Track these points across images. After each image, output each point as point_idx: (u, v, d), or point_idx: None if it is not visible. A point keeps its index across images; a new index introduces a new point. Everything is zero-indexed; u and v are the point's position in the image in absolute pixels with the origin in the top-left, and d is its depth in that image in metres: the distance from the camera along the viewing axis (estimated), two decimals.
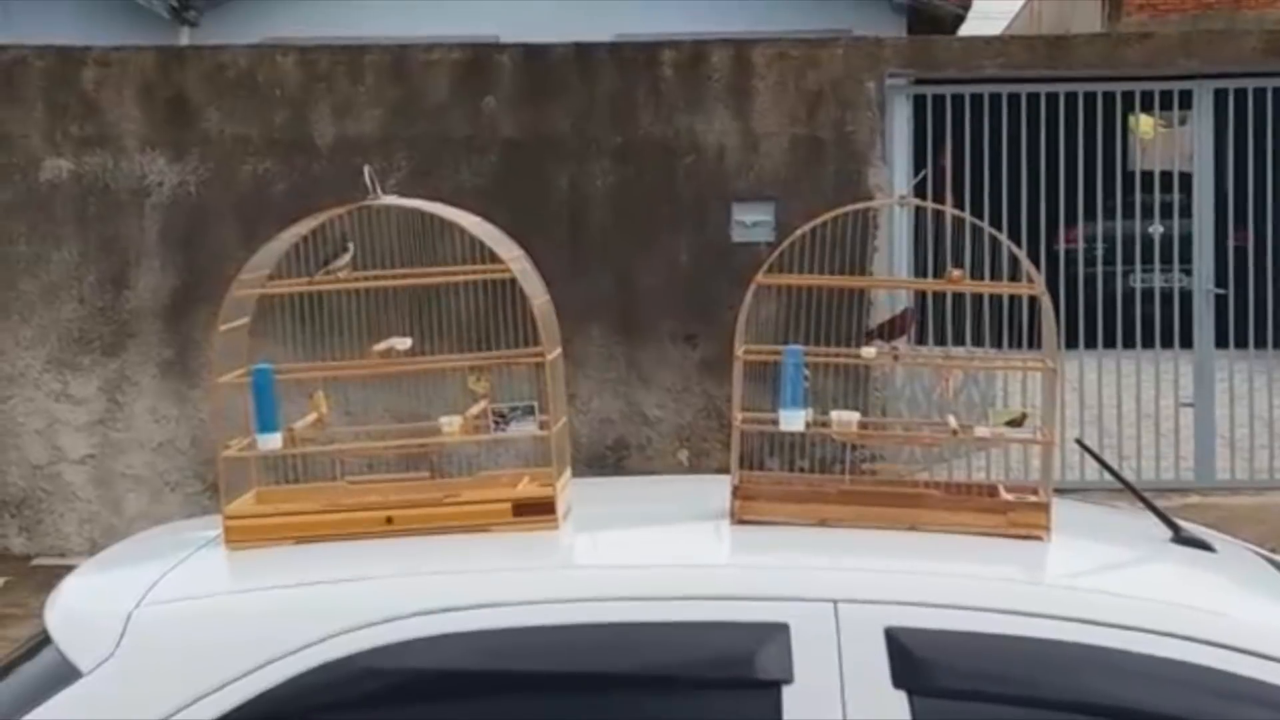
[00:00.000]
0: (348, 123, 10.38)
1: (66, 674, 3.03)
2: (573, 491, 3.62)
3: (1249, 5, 18.27)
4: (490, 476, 3.80)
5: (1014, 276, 4.08)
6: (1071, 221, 13.24)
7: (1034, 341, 4.00)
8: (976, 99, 10.51)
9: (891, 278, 10.05)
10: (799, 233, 3.78)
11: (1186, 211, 10.85)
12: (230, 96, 10.42)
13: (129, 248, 10.37)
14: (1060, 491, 3.66)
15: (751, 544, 3.44)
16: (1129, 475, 8.30)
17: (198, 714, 2.94)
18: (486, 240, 3.63)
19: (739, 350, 3.69)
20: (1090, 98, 10.62)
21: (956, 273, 3.91)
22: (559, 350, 3.70)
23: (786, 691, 2.94)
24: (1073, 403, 10.35)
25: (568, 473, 3.65)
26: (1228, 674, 2.97)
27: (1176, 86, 10.64)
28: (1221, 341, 10.70)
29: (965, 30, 18.27)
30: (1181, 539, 3.54)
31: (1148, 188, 11.42)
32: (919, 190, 4.84)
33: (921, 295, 9.92)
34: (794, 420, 3.63)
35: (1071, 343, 10.13)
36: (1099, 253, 11.92)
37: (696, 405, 10.36)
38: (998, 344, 10.01)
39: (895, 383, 10.06)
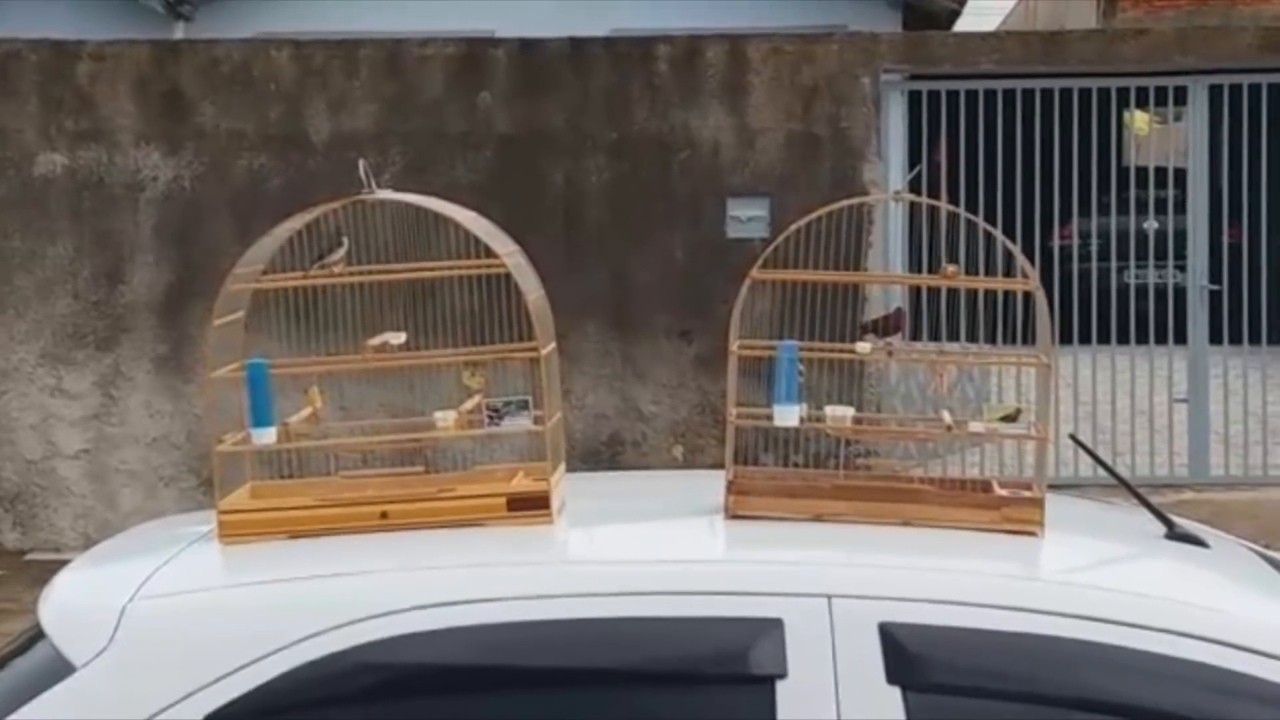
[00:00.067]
0: (342, 118, 10.37)
1: (60, 668, 3.03)
2: (567, 487, 3.62)
3: (1244, 2, 18.27)
4: (485, 471, 3.81)
5: (1008, 272, 4.08)
6: (1066, 217, 13.23)
7: (1028, 337, 4.00)
8: (971, 95, 10.51)
9: (886, 273, 10.06)
10: (793, 228, 3.78)
11: (1181, 207, 10.86)
12: (225, 91, 10.41)
13: (123, 243, 10.37)
14: (1054, 487, 3.67)
15: (746, 539, 3.45)
16: (1123, 471, 8.30)
17: (192, 708, 2.94)
18: (481, 235, 3.63)
19: (733, 345, 3.69)
20: (1085, 94, 10.62)
21: (951, 268, 3.92)
22: (554, 345, 3.70)
23: (780, 687, 2.94)
24: (1067, 398, 10.36)
25: (562, 468, 3.65)
26: (1222, 670, 2.97)
27: (1171, 83, 10.65)
28: (1215, 337, 10.71)
29: (960, 26, 18.26)
30: (1175, 535, 3.54)
31: (1142, 184, 11.44)
32: (914, 186, 4.84)
33: (916, 291, 9.93)
34: (788, 415, 3.63)
35: (1066, 338, 10.14)
36: (1094, 249, 11.93)
37: (691, 401, 10.36)
38: (992, 340, 10.01)
39: (890, 378, 10.07)
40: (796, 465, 4.32)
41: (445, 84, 10.41)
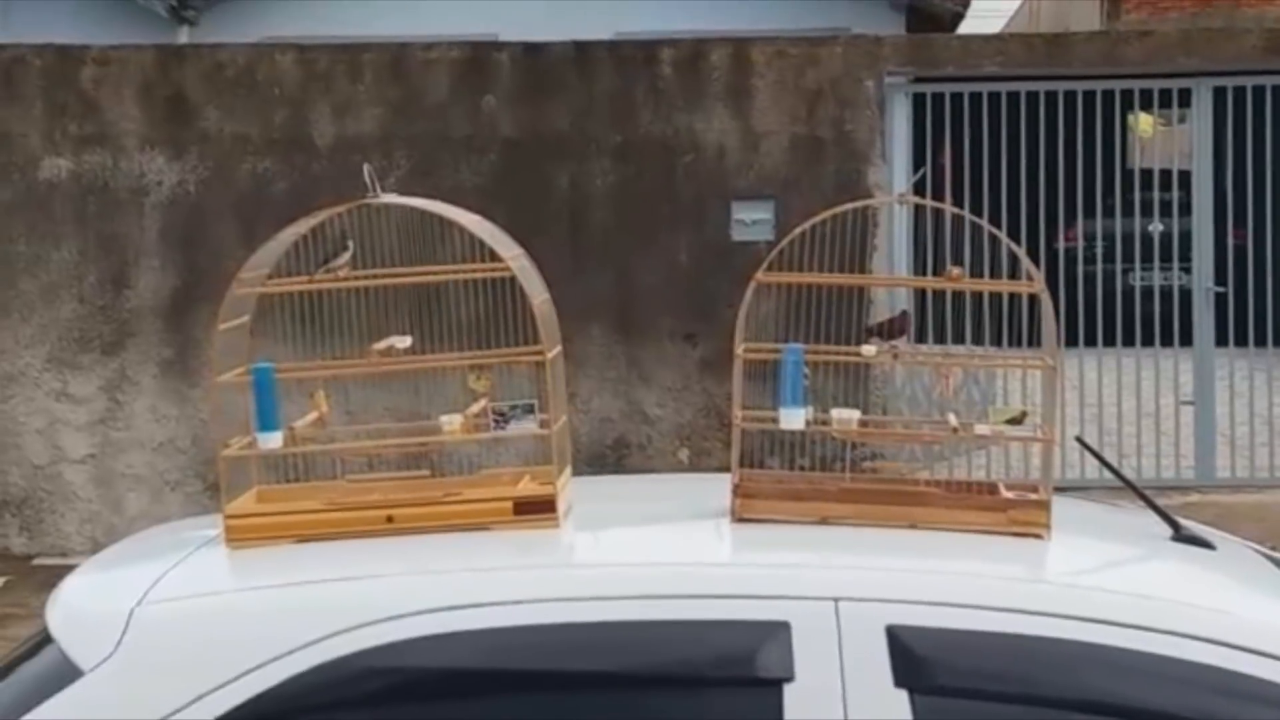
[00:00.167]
0: (347, 121, 10.38)
1: (68, 673, 3.03)
2: (573, 490, 3.62)
3: (1248, 3, 18.26)
4: (491, 475, 3.81)
5: (1014, 275, 4.08)
6: (1071, 220, 13.24)
7: (1034, 340, 4.00)
8: (976, 97, 10.51)
9: (891, 276, 10.05)
10: (798, 231, 3.78)
11: (1186, 210, 10.85)
12: (229, 95, 10.42)
13: (128, 247, 10.37)
14: (1060, 489, 3.66)
15: (752, 542, 3.45)
16: (1129, 473, 8.30)
17: (199, 712, 2.94)
18: (486, 239, 3.63)
19: (739, 349, 3.69)
20: (1089, 96, 10.62)
21: (956, 271, 3.91)
22: (559, 349, 3.70)
23: (788, 690, 2.94)
24: (1073, 401, 10.36)
25: (568, 471, 3.65)
26: (1229, 672, 2.97)
27: (1176, 85, 10.64)
28: (1221, 339, 10.70)
29: (964, 28, 18.26)
30: (1182, 537, 3.54)
31: (1147, 186, 11.42)
32: (918, 189, 4.83)
33: (921, 293, 9.93)
34: (794, 418, 3.63)
35: (1071, 341, 10.13)
36: (1099, 251, 11.93)
37: (696, 404, 10.36)
38: (998, 342, 10.01)
39: (895, 381, 10.07)
40: (802, 468, 4.32)
41: (450, 88, 10.41)
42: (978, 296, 9.80)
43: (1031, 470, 8.65)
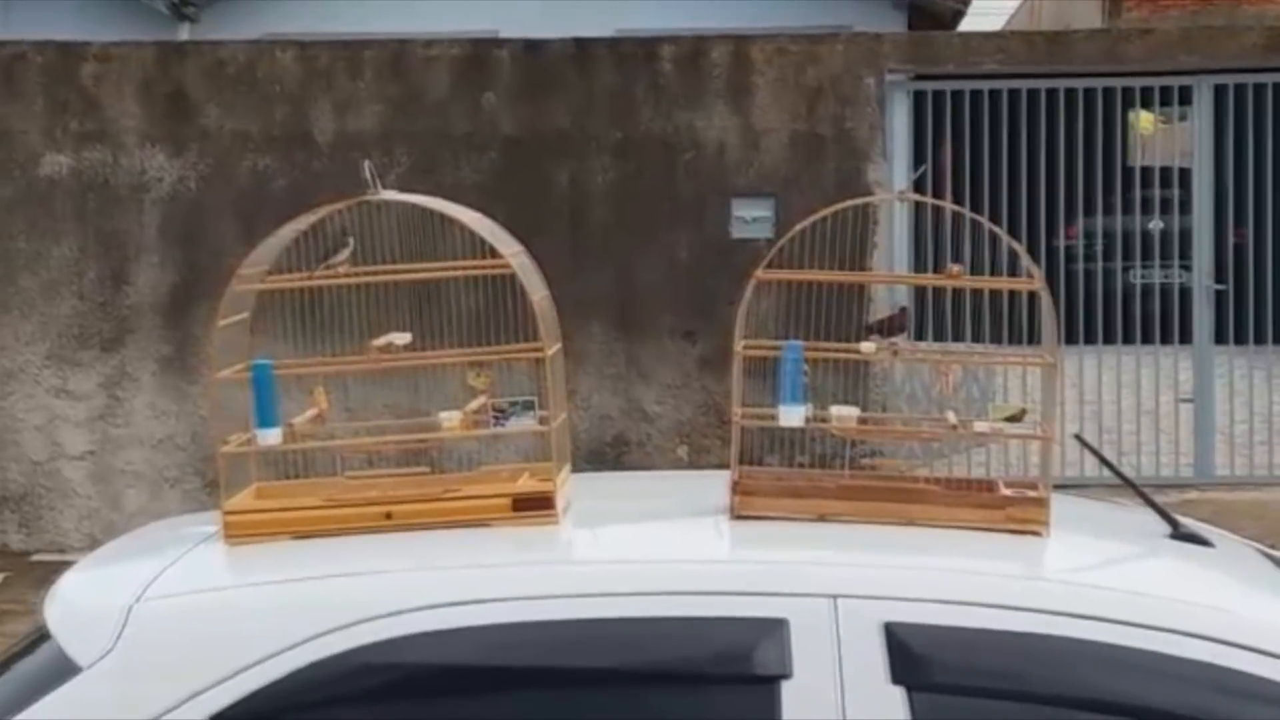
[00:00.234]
0: (347, 118, 10.38)
1: (66, 669, 3.03)
2: (572, 487, 3.63)
3: (1249, 1, 18.25)
4: (490, 472, 3.81)
5: (1014, 272, 4.08)
6: (1071, 217, 13.21)
7: (1033, 337, 4.00)
8: (976, 95, 10.51)
9: (891, 273, 10.05)
10: (798, 228, 3.78)
11: (1186, 207, 10.85)
12: (230, 92, 10.42)
13: (128, 243, 10.37)
14: (1059, 487, 3.66)
15: (750, 539, 3.45)
16: (1128, 471, 8.30)
17: (197, 709, 2.94)
18: (486, 236, 3.64)
19: (738, 346, 3.70)
20: (1090, 93, 10.62)
21: (956, 268, 3.91)
22: (559, 346, 3.71)
23: (785, 687, 2.94)
24: (1072, 398, 10.36)
25: (567, 468, 3.66)
26: (1227, 669, 2.97)
27: (1176, 82, 10.64)
28: (1221, 337, 10.70)
29: (964, 26, 18.25)
30: (1180, 535, 3.54)
31: (1147, 184, 11.42)
32: (918, 186, 4.84)
33: (921, 291, 9.93)
34: (793, 416, 3.63)
35: (1071, 338, 10.13)
36: (1098, 248, 11.93)
37: (696, 401, 10.36)
38: (997, 339, 10.01)
39: (895, 378, 10.06)
40: (801, 465, 4.32)
41: (450, 85, 10.41)
42: (977, 294, 9.79)
43: (1030, 468, 8.65)
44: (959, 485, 3.78)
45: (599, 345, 10.30)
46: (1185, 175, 11.17)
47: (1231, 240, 10.82)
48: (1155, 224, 11.18)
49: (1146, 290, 10.81)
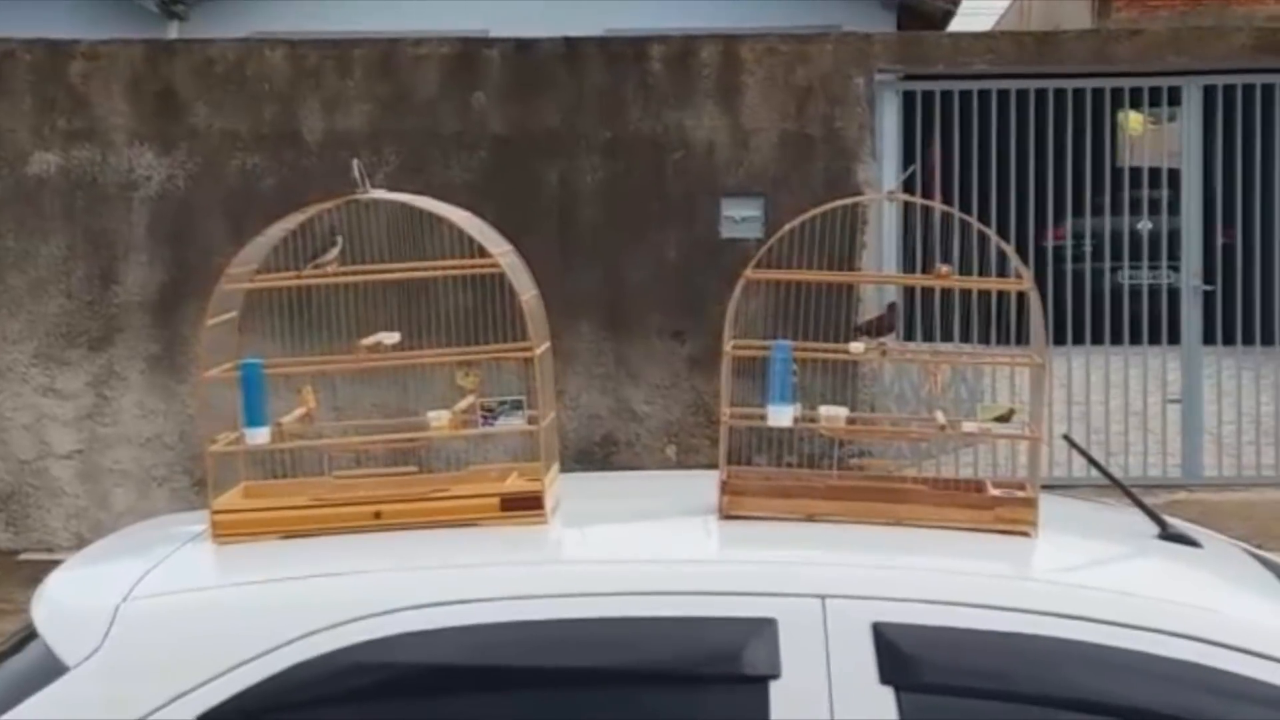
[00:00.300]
0: (336, 117, 10.37)
1: (53, 668, 3.02)
2: (561, 487, 3.62)
3: (1238, 2, 18.27)
4: (478, 471, 3.80)
5: (1002, 272, 4.09)
6: (1060, 217, 13.23)
7: (1022, 337, 4.00)
8: (965, 95, 10.52)
9: (880, 273, 10.06)
10: (787, 228, 3.78)
11: (1174, 208, 10.87)
12: (219, 91, 10.40)
13: (117, 242, 10.36)
14: (1048, 487, 3.67)
15: (739, 539, 3.45)
16: (1116, 471, 8.30)
17: (185, 708, 2.93)
18: (475, 235, 3.64)
19: (727, 346, 3.70)
20: (1079, 94, 10.63)
21: (945, 268, 3.92)
22: (547, 345, 3.70)
23: (774, 687, 2.94)
24: (1060, 399, 10.36)
25: (556, 468, 3.65)
26: (1214, 670, 2.97)
27: (1165, 83, 10.65)
28: (1209, 338, 10.72)
29: (954, 26, 18.27)
30: (1168, 535, 3.55)
31: (1136, 184, 11.44)
32: (908, 186, 4.84)
33: (910, 291, 9.94)
34: (782, 416, 3.64)
35: (1059, 339, 10.14)
36: (1087, 249, 11.94)
37: (685, 401, 10.36)
38: (986, 340, 10.02)
39: (883, 378, 10.07)
40: (790, 465, 4.32)
41: (439, 84, 10.40)
42: (966, 294, 9.81)
43: (1019, 468, 8.66)
44: (947, 485, 3.78)
45: (588, 345, 10.30)
46: (1174, 176, 11.18)
47: (1220, 241, 10.84)
48: (1144, 224, 11.20)
49: (1135, 291, 10.82)
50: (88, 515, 10.28)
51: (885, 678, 2.95)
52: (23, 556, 10.09)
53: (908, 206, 9.23)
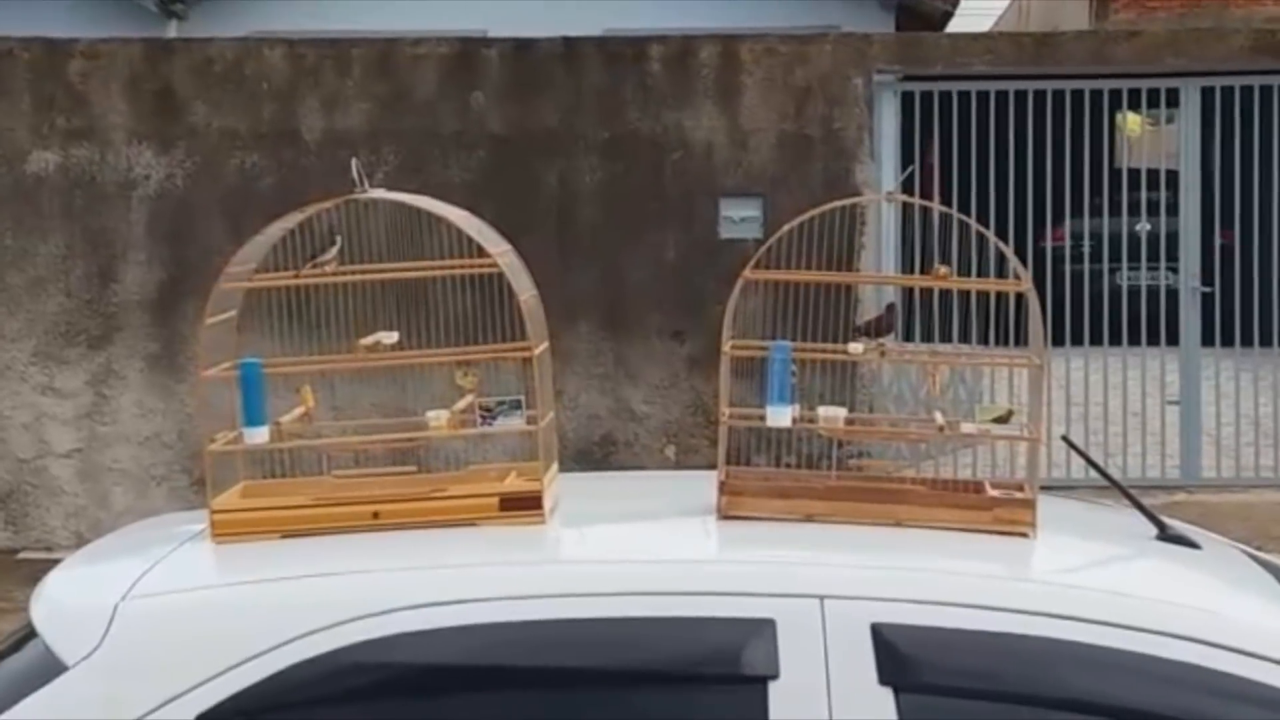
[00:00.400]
0: (335, 117, 10.37)
1: (52, 667, 3.02)
2: (559, 487, 3.62)
3: (1236, 4, 18.28)
4: (477, 471, 3.80)
5: (1001, 273, 4.08)
6: (1058, 219, 13.25)
7: (1020, 338, 4.00)
8: (964, 96, 10.52)
9: (879, 274, 10.06)
10: (786, 228, 3.78)
11: (1173, 209, 10.87)
12: (217, 90, 10.40)
13: (115, 241, 10.35)
14: (1046, 489, 3.67)
15: (738, 539, 3.45)
16: (1115, 473, 8.31)
17: (184, 708, 2.93)
18: (474, 235, 3.64)
19: (726, 346, 3.70)
20: (1078, 95, 10.63)
21: (943, 269, 3.92)
22: (546, 345, 3.70)
23: (772, 687, 2.94)
24: (1059, 400, 10.37)
25: (554, 468, 3.65)
26: (1213, 671, 2.97)
27: (1164, 84, 10.66)
28: (1208, 339, 10.72)
29: (953, 27, 18.28)
30: (1167, 536, 3.55)
31: (1135, 185, 11.44)
32: (906, 187, 4.84)
33: (908, 291, 9.95)
34: (781, 416, 3.64)
35: (1058, 340, 10.13)
36: (1085, 250, 11.95)
37: (684, 401, 10.36)
38: (985, 341, 10.02)
39: (882, 379, 10.07)
40: (789, 466, 4.32)
41: (438, 83, 10.40)
42: (965, 295, 9.81)
43: (1018, 469, 8.66)
44: (946, 486, 3.78)
45: (587, 345, 10.30)
46: (1172, 177, 11.18)
47: (1218, 242, 10.84)
48: (1142, 226, 11.20)
49: (1134, 292, 10.82)
50: (87, 514, 10.28)
51: (884, 678, 2.95)
52: (22, 555, 10.08)
53: (906, 207, 9.23)
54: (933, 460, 9.94)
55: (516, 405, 3.68)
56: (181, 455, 10.23)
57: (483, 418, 3.69)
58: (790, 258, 4.03)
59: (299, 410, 3.80)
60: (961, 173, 10.44)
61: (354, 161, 3.74)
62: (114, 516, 9.83)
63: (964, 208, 9.93)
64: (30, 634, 3.20)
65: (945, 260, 4.29)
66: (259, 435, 3.60)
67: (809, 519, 3.48)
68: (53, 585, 3.36)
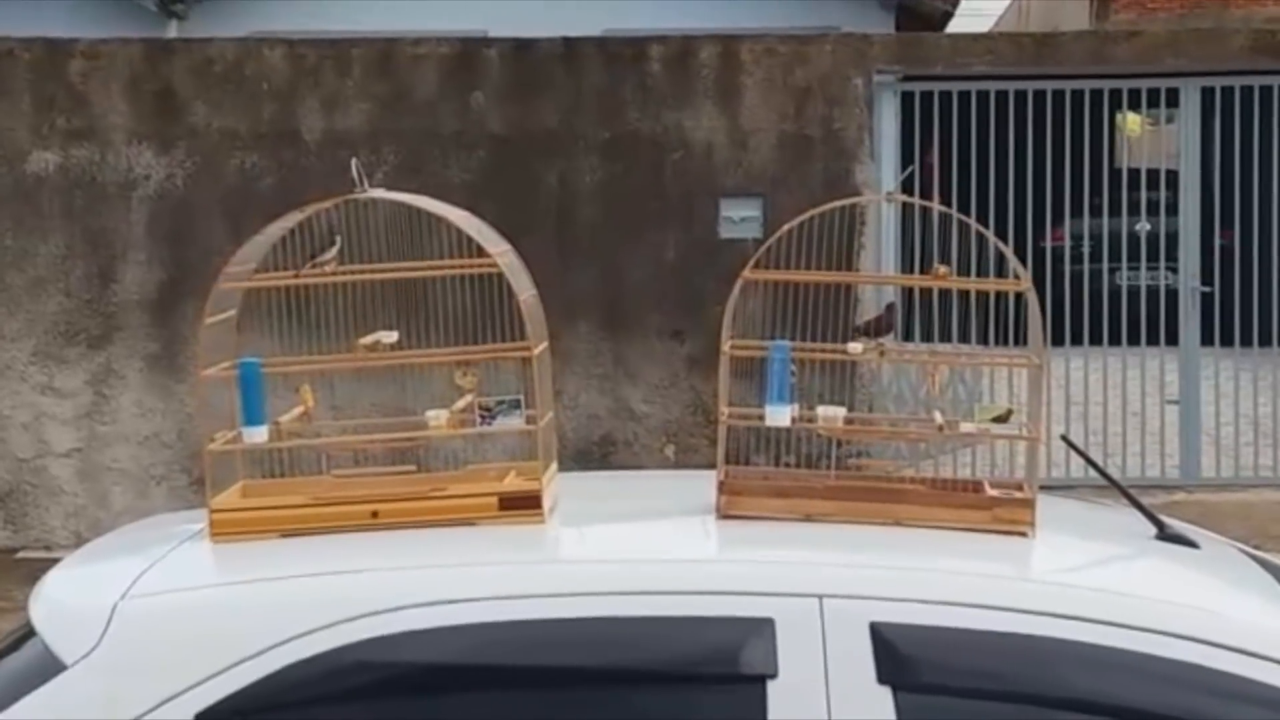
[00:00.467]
0: (335, 117, 10.37)
1: (51, 666, 3.03)
2: (559, 486, 3.62)
3: (1236, 4, 18.28)
4: (476, 471, 3.80)
5: (1000, 273, 4.08)
6: (1058, 219, 13.24)
7: (1020, 338, 4.00)
8: (964, 96, 10.52)
9: (879, 274, 10.06)
10: (786, 228, 3.78)
11: (1173, 209, 10.87)
12: (217, 90, 10.40)
13: (115, 241, 10.35)
14: (1046, 488, 3.67)
15: (737, 539, 3.45)
16: (1114, 472, 8.31)
17: (183, 707, 2.93)
18: (474, 235, 3.64)
19: (725, 346, 3.70)
20: (1078, 95, 10.64)
21: (943, 269, 3.92)
22: (546, 345, 3.70)
23: (771, 686, 2.94)
24: (1059, 399, 10.36)
25: (554, 467, 3.66)
26: (1212, 670, 2.97)
27: (1164, 84, 10.66)
28: (1207, 339, 10.72)
29: (953, 28, 18.27)
30: (1166, 536, 3.55)
31: (1134, 185, 11.44)
32: (906, 187, 4.84)
33: (908, 291, 9.95)
34: (780, 416, 3.64)
35: (1058, 339, 10.14)
36: (1085, 250, 11.95)
37: (683, 401, 10.36)
38: (984, 340, 10.02)
39: (882, 379, 10.07)
40: (788, 466, 4.32)
41: (438, 84, 10.40)
42: (964, 295, 9.81)
43: (1017, 468, 8.66)
44: (945, 486, 3.78)
45: (586, 344, 10.30)
46: (1172, 177, 11.18)
47: (1218, 242, 10.85)
48: (1142, 226, 11.20)
49: (1133, 292, 10.82)
50: (86, 513, 10.28)
51: (883, 677, 2.95)
52: (21, 555, 10.08)
53: (906, 207, 9.23)
54: (932, 460, 9.94)
55: (516, 405, 3.68)
56: (181, 455, 10.23)
57: (482, 417, 3.69)
58: (790, 258, 4.03)
59: (298, 410, 3.80)
60: (961, 173, 10.44)
61: (354, 161, 3.75)
62: (113, 516, 9.83)
63: (964, 208, 9.93)
64: (29, 633, 3.20)
65: (945, 260, 4.28)
66: (258, 435, 3.60)
67: (808, 518, 3.48)
68: (52, 584, 3.36)
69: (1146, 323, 10.68)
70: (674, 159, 10.38)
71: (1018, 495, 3.56)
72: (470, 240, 3.63)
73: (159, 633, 3.05)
